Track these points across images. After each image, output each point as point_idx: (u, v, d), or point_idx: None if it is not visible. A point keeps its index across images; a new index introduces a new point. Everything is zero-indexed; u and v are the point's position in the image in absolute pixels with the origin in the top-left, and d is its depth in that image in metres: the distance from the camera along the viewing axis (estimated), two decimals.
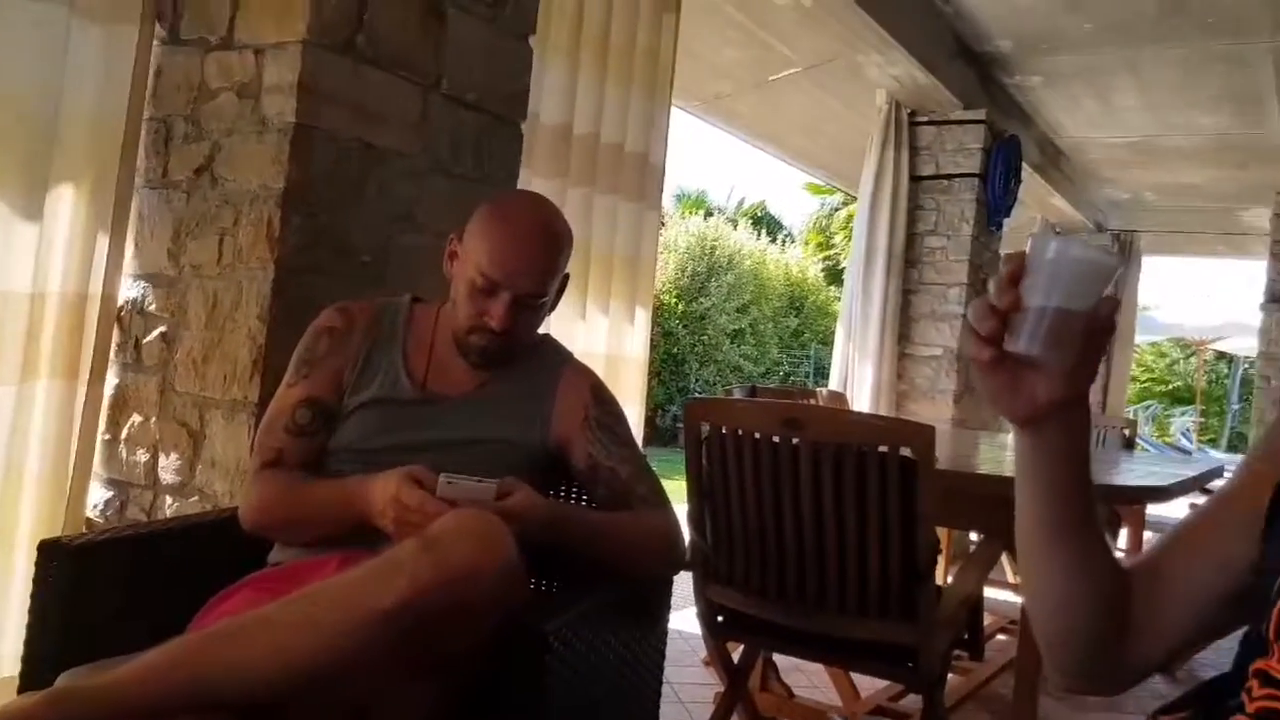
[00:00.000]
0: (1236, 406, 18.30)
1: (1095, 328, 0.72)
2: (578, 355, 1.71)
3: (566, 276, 1.58)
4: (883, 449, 1.79)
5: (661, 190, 3.25)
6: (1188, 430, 17.54)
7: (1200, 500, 3.50)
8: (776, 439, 1.89)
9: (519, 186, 2.34)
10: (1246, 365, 16.72)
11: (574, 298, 2.87)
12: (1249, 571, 0.76)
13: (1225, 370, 20.49)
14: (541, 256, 1.50)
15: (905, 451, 1.79)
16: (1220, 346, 18.28)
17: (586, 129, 2.85)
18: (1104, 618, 0.82)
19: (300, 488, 1.44)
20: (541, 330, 1.64)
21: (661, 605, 1.63)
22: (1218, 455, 13.92)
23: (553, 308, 1.60)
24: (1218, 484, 3.72)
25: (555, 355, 1.64)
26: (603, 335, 3.02)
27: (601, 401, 1.59)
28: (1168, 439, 16.73)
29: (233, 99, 1.89)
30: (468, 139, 2.08)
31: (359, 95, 1.87)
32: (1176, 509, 4.27)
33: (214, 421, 1.88)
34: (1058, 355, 0.72)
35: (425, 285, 1.79)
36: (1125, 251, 9.16)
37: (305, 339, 1.56)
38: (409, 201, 1.99)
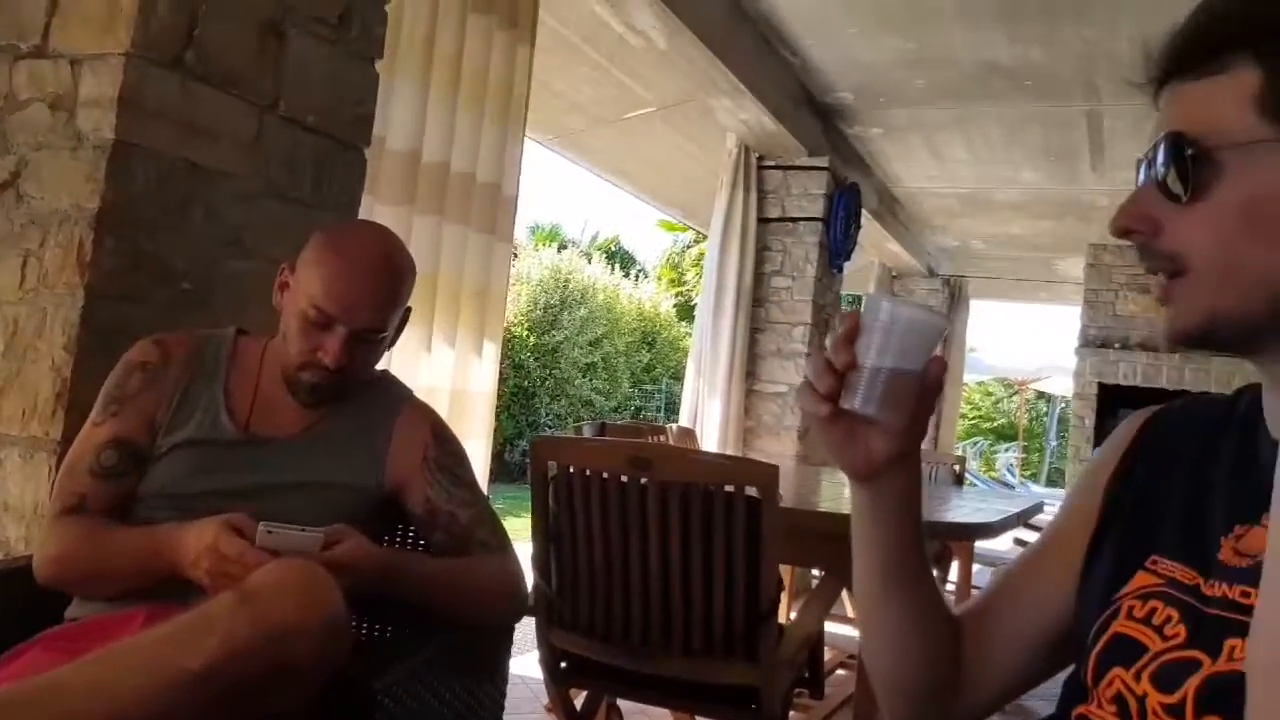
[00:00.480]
0: (1055, 443, 19.62)
1: (925, 387, 0.74)
2: (422, 389, 1.64)
3: (408, 310, 1.51)
4: (729, 488, 1.80)
5: (514, 222, 3.20)
6: (1011, 466, 18.68)
7: (1024, 534, 3.70)
8: (624, 478, 1.87)
9: (362, 214, 2.25)
10: (1063, 405, 17.97)
11: (419, 330, 2.78)
12: (1068, 615, 0.79)
13: (1045, 409, 21.99)
14: (381, 289, 1.42)
15: (750, 490, 1.81)
16: (1040, 386, 19.61)
17: (436, 157, 2.78)
18: (937, 666, 0.84)
19: (104, 535, 1.31)
20: (381, 365, 1.56)
21: (502, 653, 1.57)
22: (1038, 490, 14.86)
23: (392, 343, 1.53)
24: (1040, 518, 3.94)
25: (394, 393, 1.57)
26: (449, 369, 2.94)
27: (442, 441, 1.52)
28: (993, 474, 17.75)
29: (44, 111, 1.73)
30: (306, 162, 1.98)
31: (187, 113, 1.75)
32: (1003, 543, 4.51)
33: (9, 460, 1.70)
34: (891, 414, 0.74)
35: (253, 316, 1.68)
36: (955, 296, 9.72)
37: (115, 373, 1.44)
38: (238, 226, 1.87)
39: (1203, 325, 0.67)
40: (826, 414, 0.75)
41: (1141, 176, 0.71)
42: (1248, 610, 0.62)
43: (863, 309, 0.75)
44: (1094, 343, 8.01)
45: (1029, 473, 19.99)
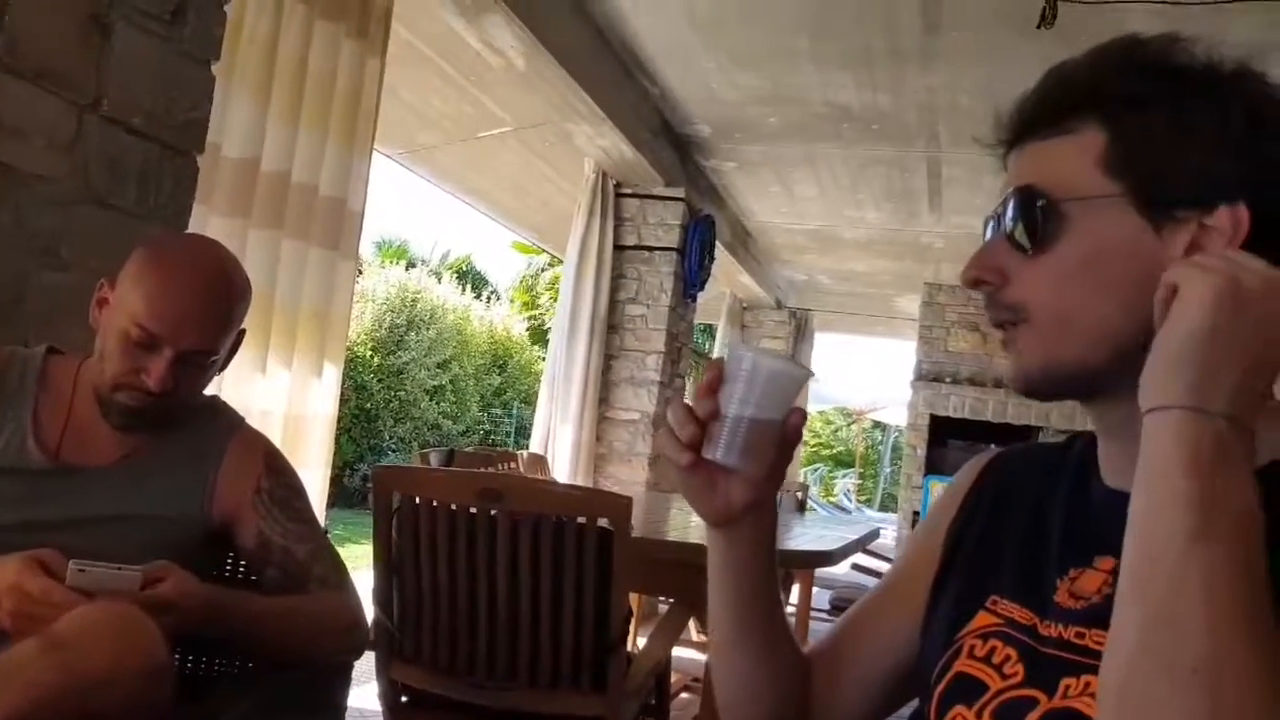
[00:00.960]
0: (889, 470, 20.53)
1: (785, 437, 0.76)
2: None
3: (242, 332, 1.42)
4: (581, 519, 1.77)
5: (359, 239, 3.08)
6: (848, 491, 19.43)
7: (861, 559, 3.83)
8: (473, 510, 1.81)
9: (193, 225, 2.10)
10: (897, 434, 18.82)
11: (254, 352, 2.63)
12: (912, 653, 0.82)
13: (880, 437, 23.00)
14: (212, 308, 1.32)
15: (602, 521, 1.78)
16: (877, 416, 20.51)
17: (276, 166, 2.64)
18: (787, 704, 0.85)
19: None
20: (211, 389, 1.45)
21: (339, 691, 1.48)
22: (873, 514, 15.51)
23: (224, 366, 1.42)
24: (877, 544, 4.08)
25: (223, 420, 1.46)
26: (285, 392, 2.78)
27: (275, 472, 1.43)
28: (831, 498, 18.42)
29: None
30: (131, 168, 1.84)
31: None
32: (841, 567, 4.65)
33: None
34: (751, 463, 0.74)
35: (66, 333, 1.55)
36: (800, 328, 10.05)
37: None
38: (53, 234, 1.71)
39: (1041, 371, 0.70)
40: (687, 463, 0.75)
41: (990, 232, 0.74)
42: (1081, 650, 0.65)
43: (726, 358, 0.76)
44: (927, 376, 8.43)
45: (864, 498, 20.83)
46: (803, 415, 0.76)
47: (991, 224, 0.74)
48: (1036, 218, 0.69)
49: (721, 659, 0.86)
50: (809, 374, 0.76)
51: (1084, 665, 0.64)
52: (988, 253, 0.73)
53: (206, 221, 2.37)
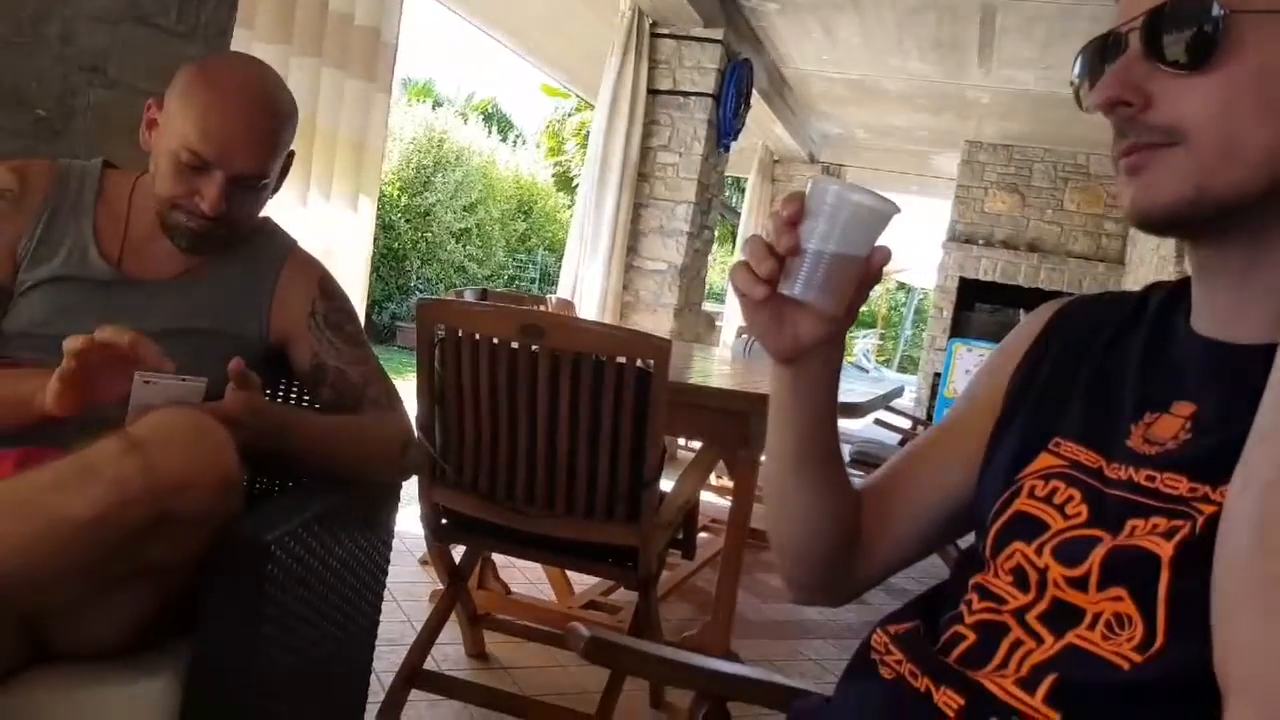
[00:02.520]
0: (909, 333, 20.52)
1: (867, 275, 0.74)
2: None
3: (291, 154, 1.41)
4: (620, 360, 1.80)
5: (393, 71, 3.03)
6: (868, 351, 19.50)
7: (884, 415, 3.88)
8: (515, 345, 1.84)
9: (234, 48, 2.07)
10: (921, 296, 18.74)
11: (296, 181, 2.63)
12: (965, 496, 0.83)
13: (904, 299, 22.90)
14: (262, 131, 1.31)
15: (640, 363, 1.81)
16: (902, 277, 20.36)
17: None
18: (839, 538, 0.87)
19: None
20: (263, 213, 1.47)
21: (389, 509, 1.56)
22: (891, 375, 15.60)
23: (276, 189, 1.43)
24: (899, 402, 4.12)
25: (278, 241, 1.48)
26: (324, 224, 2.81)
27: (330, 296, 1.46)
28: (850, 358, 18.52)
29: None
30: None
31: None
32: (863, 423, 4.73)
33: None
34: (829, 300, 0.73)
35: (118, 150, 1.55)
36: None
37: None
38: (100, 51, 1.70)
39: (1189, 200, 0.64)
40: (762, 297, 0.74)
41: (1133, 45, 0.66)
42: (1151, 494, 0.65)
43: (809, 191, 0.73)
44: (960, 238, 8.32)
45: (883, 359, 20.94)
46: (887, 254, 0.74)
47: (1130, 36, 0.66)
48: (1204, 31, 0.62)
49: (780, 495, 0.87)
50: (895, 210, 0.73)
51: (1153, 508, 0.64)
52: (1127, 70, 0.66)
53: (249, 47, 2.33)
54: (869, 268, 0.74)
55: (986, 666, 0.67)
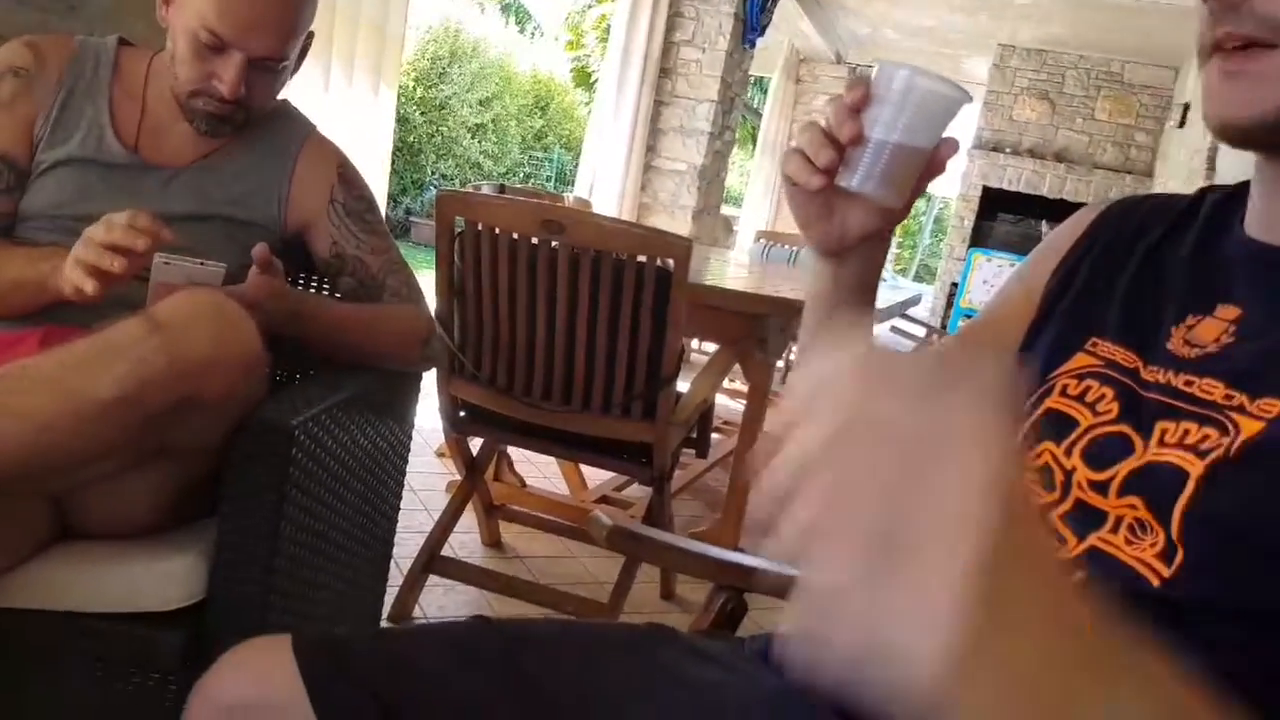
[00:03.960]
0: (928, 242, 20.30)
1: (931, 167, 0.70)
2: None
3: (311, 35, 1.38)
4: (641, 259, 1.78)
5: None
6: None
7: (900, 323, 3.87)
8: (534, 241, 1.83)
9: None
10: (941, 205, 18.47)
11: (318, 65, 2.58)
12: None
13: (923, 207, 22.60)
14: (281, 11, 1.28)
15: (659, 262, 1.80)
16: None
17: None
18: None
19: None
20: (281, 96, 1.44)
21: (410, 400, 1.58)
22: (906, 284, 15.51)
23: (295, 71, 1.40)
24: (913, 311, 4.11)
25: (295, 126, 1.45)
26: (345, 111, 2.76)
27: (349, 184, 1.44)
28: None
29: None
30: None
31: None
32: (881, 329, 4.73)
33: None
34: (890, 192, 0.69)
35: (134, 27, 1.51)
36: None
37: None
38: None
39: None
40: (818, 187, 0.70)
41: None
42: (1187, 398, 0.63)
43: (874, 76, 0.68)
44: (986, 145, 8.15)
45: (899, 267, 20.78)
46: (955, 146, 0.70)
47: None
48: None
49: None
50: (967, 98, 0.68)
51: (1185, 412, 0.62)
52: None
53: None
54: (934, 160, 0.70)
55: None
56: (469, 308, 1.96)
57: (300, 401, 1.15)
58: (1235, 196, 0.73)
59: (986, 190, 8.14)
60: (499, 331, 1.94)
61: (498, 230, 1.85)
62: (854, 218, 0.74)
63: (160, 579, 1.09)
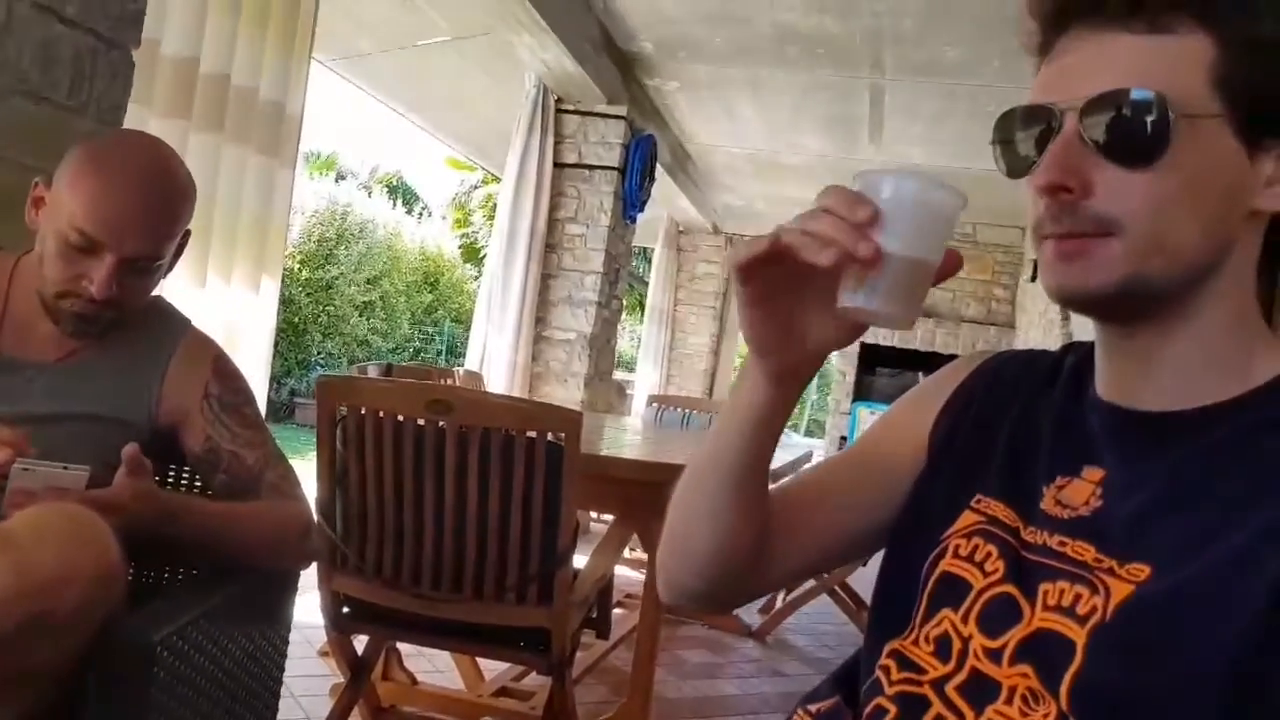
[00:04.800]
0: (815, 397, 20.89)
1: (935, 280, 0.66)
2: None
3: (187, 233, 1.37)
4: (531, 434, 1.77)
5: (298, 146, 2.99)
6: None
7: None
8: (421, 422, 1.80)
9: (130, 125, 2.02)
10: (827, 362, 19.15)
11: (193, 264, 2.55)
12: (878, 522, 0.82)
13: None
14: (156, 210, 1.27)
15: (551, 436, 1.79)
16: None
17: (216, 68, 2.54)
18: (756, 549, 0.83)
19: None
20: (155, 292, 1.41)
21: (286, 600, 1.49)
22: (799, 439, 15.83)
23: (170, 269, 1.38)
24: (806, 467, 4.19)
25: (169, 321, 1.42)
26: (224, 305, 2.72)
27: (225, 376, 1.40)
28: None
29: None
30: (64, 59, 1.74)
31: None
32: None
33: None
34: (901, 309, 0.63)
35: (4, 230, 1.48)
36: None
37: None
38: None
39: (1119, 288, 0.64)
40: (829, 262, 0.62)
41: (1069, 126, 0.65)
42: (1063, 559, 0.66)
43: (859, 185, 0.64)
44: None
45: (790, 424, 21.24)
46: (959, 260, 0.66)
47: (1067, 118, 0.65)
48: (1145, 130, 0.62)
49: (707, 503, 0.80)
50: (964, 202, 0.64)
51: (1062, 571, 0.65)
52: (1069, 155, 0.64)
53: (145, 123, 2.28)
54: (942, 271, 0.65)
55: None
56: (352, 495, 1.90)
57: (163, 613, 1.08)
58: (1089, 357, 0.77)
59: (864, 346, 8.49)
60: (384, 518, 1.87)
61: (382, 414, 1.82)
62: (823, 334, 0.69)
63: None
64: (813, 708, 0.77)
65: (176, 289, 2.48)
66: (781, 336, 0.69)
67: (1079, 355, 0.79)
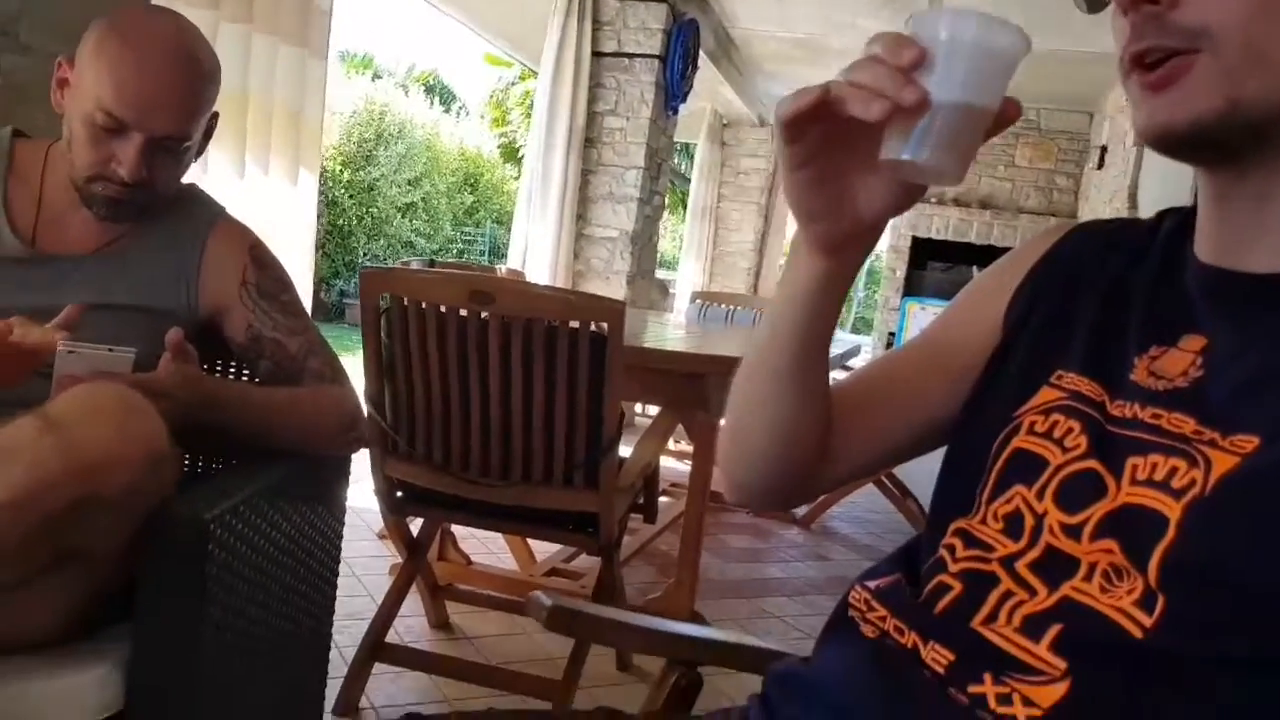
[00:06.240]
0: (862, 294, 20.66)
1: (992, 129, 0.61)
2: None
3: (215, 115, 1.34)
4: (574, 324, 1.76)
5: (328, 37, 2.93)
6: None
7: (839, 375, 3.91)
8: (464, 312, 1.80)
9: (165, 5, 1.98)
10: (873, 258, 18.85)
11: (231, 153, 2.54)
12: (945, 415, 0.78)
13: None
14: (182, 88, 1.24)
15: (594, 327, 1.78)
16: None
17: None
18: (815, 447, 0.80)
19: None
20: (187, 179, 1.39)
21: (339, 485, 1.52)
22: (846, 336, 15.73)
23: (200, 153, 1.36)
24: (854, 361, 4.15)
25: (204, 209, 1.41)
26: (263, 196, 2.71)
27: (262, 265, 1.39)
28: None
29: None
30: None
31: None
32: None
33: None
34: (953, 161, 0.59)
35: (31, 119, 1.46)
36: None
37: None
38: (9, 15, 1.60)
39: (1216, 113, 0.58)
40: (916, 100, 0.56)
41: None
42: (1157, 431, 0.61)
43: (911, 28, 0.59)
44: None
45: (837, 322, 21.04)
46: (1018, 108, 0.60)
47: None
48: None
49: (761, 401, 0.77)
50: (1027, 44, 0.58)
51: (1155, 445, 0.60)
52: None
53: (179, 8, 2.22)
54: (999, 120, 0.60)
55: (975, 618, 0.63)
56: (400, 385, 1.91)
57: (215, 494, 1.09)
58: (1190, 220, 0.71)
59: (915, 240, 8.31)
60: (432, 407, 1.89)
61: (425, 304, 1.81)
62: (874, 198, 0.63)
63: (70, 697, 1.01)
64: (871, 584, 0.74)
65: (215, 178, 2.47)
66: (831, 201, 0.64)
67: (1177, 220, 0.73)
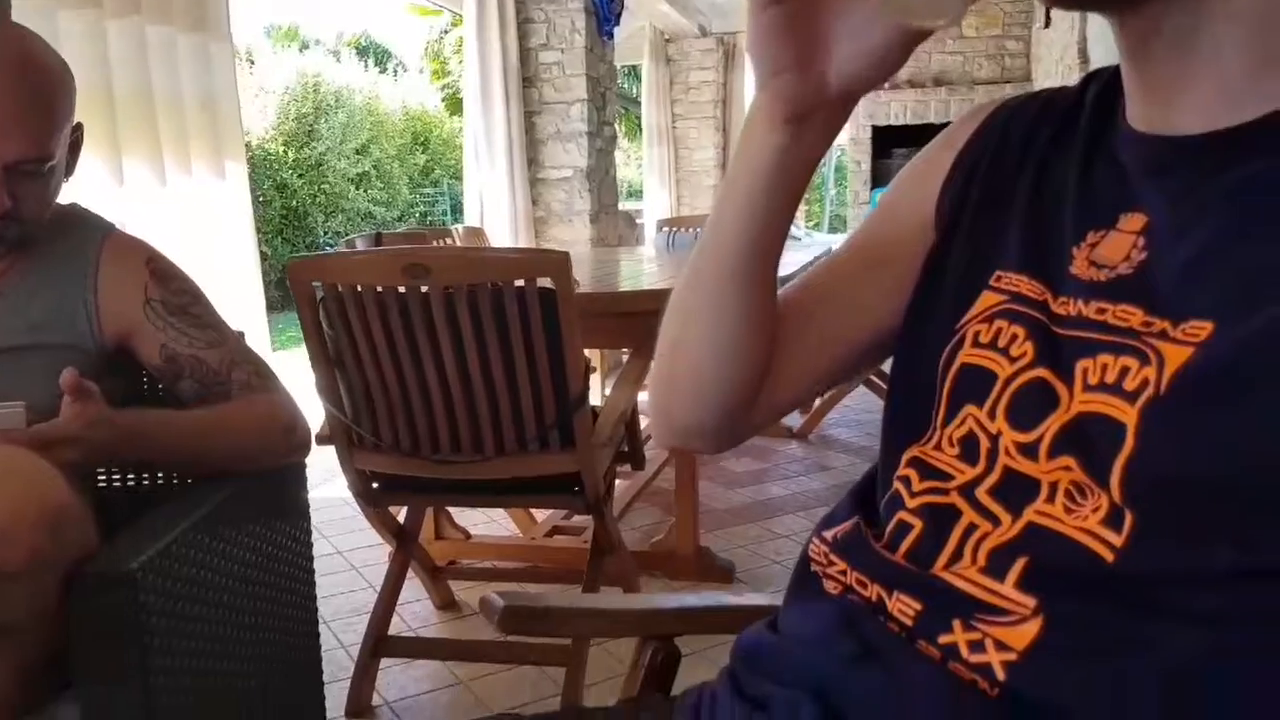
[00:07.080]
0: (833, 192, 20.47)
1: None
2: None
3: (79, 127, 1.23)
4: (519, 283, 1.67)
5: (228, 16, 2.77)
6: (796, 219, 19.43)
7: None
8: (402, 289, 1.70)
9: (40, 19, 1.85)
10: (840, 153, 18.63)
11: (146, 158, 2.40)
12: (889, 320, 0.71)
13: (822, 160, 22.77)
14: (29, 106, 1.12)
15: (544, 281, 1.69)
16: None
17: None
18: (758, 366, 0.72)
19: None
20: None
21: (296, 490, 1.44)
22: (821, 236, 15.61)
23: (70, 171, 1.25)
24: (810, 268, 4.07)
25: (89, 228, 1.30)
26: (190, 197, 2.58)
27: (164, 278, 1.29)
28: None
29: None
30: None
31: None
32: None
33: None
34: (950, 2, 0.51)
35: None
36: (729, 55, 9.56)
37: None
38: None
39: None
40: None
41: None
42: (1104, 328, 0.55)
43: None
44: None
45: (812, 223, 20.92)
46: None
47: None
48: None
49: (703, 309, 0.69)
50: None
51: (1102, 344, 0.54)
52: None
53: (54, 14, 2.09)
54: None
55: (938, 560, 0.58)
56: (352, 375, 1.82)
57: (143, 538, 1.01)
58: (1114, 83, 0.62)
59: (875, 129, 8.17)
60: (390, 393, 1.80)
61: (360, 288, 1.72)
62: (849, 56, 0.56)
63: None
64: (829, 534, 0.68)
65: (134, 189, 2.35)
66: (801, 50, 0.56)
67: (1102, 82, 0.64)
